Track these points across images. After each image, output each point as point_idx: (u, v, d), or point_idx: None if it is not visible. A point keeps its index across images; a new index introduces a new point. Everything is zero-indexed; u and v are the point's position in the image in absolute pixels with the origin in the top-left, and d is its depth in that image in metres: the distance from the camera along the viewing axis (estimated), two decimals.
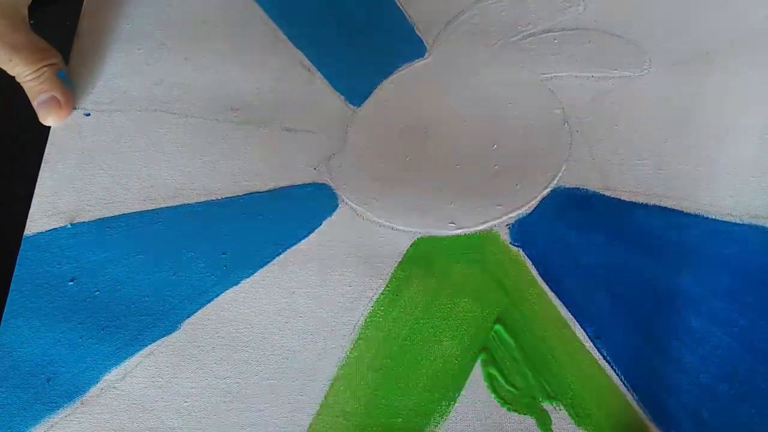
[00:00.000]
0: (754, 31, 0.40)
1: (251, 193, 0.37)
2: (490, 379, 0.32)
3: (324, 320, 0.33)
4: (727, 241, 0.34)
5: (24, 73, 0.36)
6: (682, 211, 0.35)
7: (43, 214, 0.36)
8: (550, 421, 0.31)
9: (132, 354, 0.33)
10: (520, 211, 0.35)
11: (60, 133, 0.39)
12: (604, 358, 0.32)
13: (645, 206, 0.35)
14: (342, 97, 0.39)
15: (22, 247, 0.35)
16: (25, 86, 0.37)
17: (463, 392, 0.31)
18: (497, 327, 0.33)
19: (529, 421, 0.31)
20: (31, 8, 0.38)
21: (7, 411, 0.32)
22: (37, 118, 0.38)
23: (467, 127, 0.38)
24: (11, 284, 0.34)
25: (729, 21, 0.40)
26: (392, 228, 0.35)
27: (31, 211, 0.36)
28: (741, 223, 0.35)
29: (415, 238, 0.35)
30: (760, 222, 0.35)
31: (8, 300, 0.34)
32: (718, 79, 0.38)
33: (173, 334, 0.33)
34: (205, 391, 0.32)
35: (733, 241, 0.34)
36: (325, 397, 0.32)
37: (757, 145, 0.37)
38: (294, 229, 0.35)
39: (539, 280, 0.34)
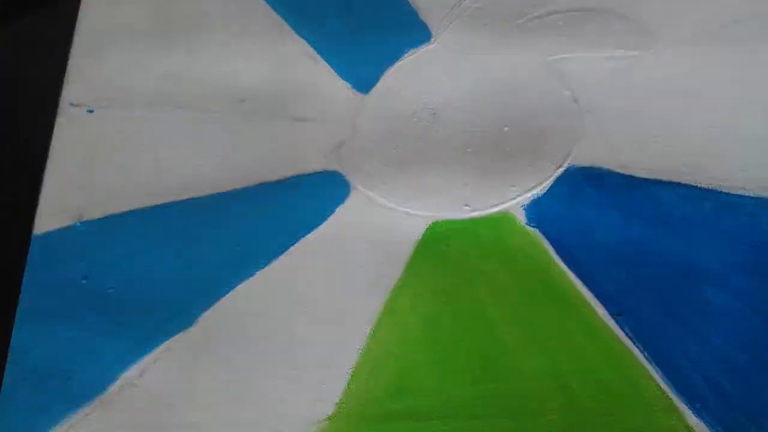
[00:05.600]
0: (758, 10, 0.40)
1: (262, 184, 0.36)
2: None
3: (342, 308, 0.33)
4: (741, 214, 0.34)
5: None
6: (696, 186, 0.35)
7: (51, 213, 0.36)
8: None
9: (150, 350, 0.32)
10: (534, 192, 0.35)
11: (64, 131, 0.38)
12: (626, 334, 0.32)
13: (658, 182, 0.35)
14: (349, 85, 0.39)
15: (31, 247, 0.35)
16: None
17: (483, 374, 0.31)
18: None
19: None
20: (31, 7, 0.38)
21: (26, 412, 0.31)
22: (43, 118, 0.38)
23: (477, 110, 0.38)
24: (22, 285, 0.34)
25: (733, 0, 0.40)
26: (406, 213, 0.35)
27: (38, 210, 0.36)
28: (754, 196, 0.35)
29: (430, 222, 0.35)
30: None
31: (20, 301, 0.34)
32: (725, 56, 0.38)
33: (190, 329, 0.33)
34: (226, 384, 0.32)
35: (747, 214, 0.34)
36: (348, 384, 0.32)
37: (766, 119, 0.37)
38: (307, 218, 0.35)
39: (557, 259, 0.34)
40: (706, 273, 0.33)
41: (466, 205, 0.35)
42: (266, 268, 0.34)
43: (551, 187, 0.35)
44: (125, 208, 0.36)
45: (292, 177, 0.36)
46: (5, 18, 0.42)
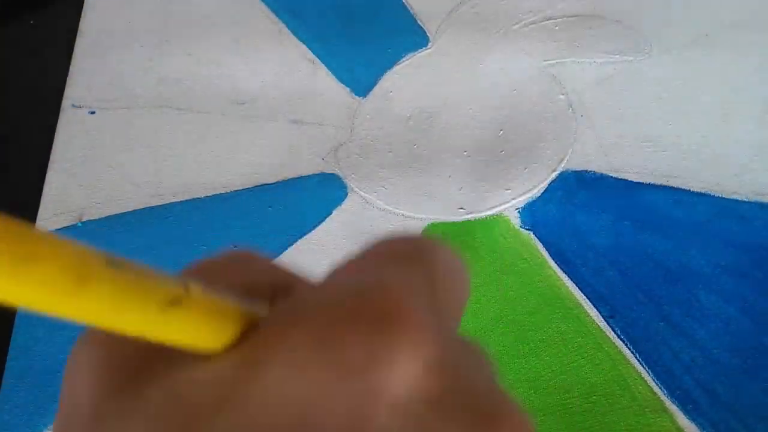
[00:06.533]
0: (753, 14, 0.40)
1: (260, 185, 0.37)
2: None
3: None
4: (733, 219, 0.35)
5: None
6: (689, 190, 0.35)
7: (52, 213, 0.36)
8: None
9: None
10: (528, 195, 0.36)
11: (66, 132, 0.39)
12: (619, 337, 0.32)
13: (652, 186, 0.35)
14: (347, 89, 0.39)
15: None
16: None
17: None
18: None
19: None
20: (32, 8, 0.38)
21: (25, 410, 0.31)
22: (45, 119, 0.38)
23: (473, 114, 0.38)
24: None
25: (728, 3, 0.41)
26: (403, 215, 0.36)
27: (39, 210, 0.36)
28: (747, 200, 0.35)
29: (426, 225, 0.35)
30: (765, 199, 0.35)
31: None
32: (719, 61, 0.39)
33: None
34: None
35: (740, 218, 0.35)
36: None
37: (759, 124, 0.37)
38: (304, 220, 0.36)
39: (551, 261, 0.34)
40: (698, 276, 0.33)
41: (462, 208, 0.36)
42: None
43: (545, 190, 0.36)
44: (126, 209, 0.36)
45: (290, 179, 0.37)
46: (8, 19, 0.42)
